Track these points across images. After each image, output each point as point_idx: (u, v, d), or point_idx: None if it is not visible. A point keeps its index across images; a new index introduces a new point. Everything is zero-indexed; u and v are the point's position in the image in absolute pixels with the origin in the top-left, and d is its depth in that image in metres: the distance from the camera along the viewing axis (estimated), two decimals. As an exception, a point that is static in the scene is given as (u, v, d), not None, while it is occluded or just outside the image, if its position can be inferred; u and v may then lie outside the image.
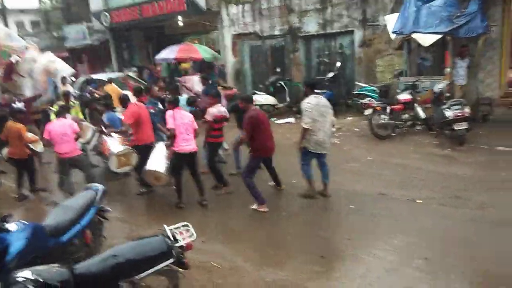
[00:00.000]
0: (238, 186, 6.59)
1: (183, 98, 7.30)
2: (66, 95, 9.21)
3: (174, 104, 6.28)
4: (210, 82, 10.13)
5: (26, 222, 3.66)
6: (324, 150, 5.91)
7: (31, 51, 12.83)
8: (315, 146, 5.80)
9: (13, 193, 7.43)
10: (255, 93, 12.58)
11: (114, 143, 6.86)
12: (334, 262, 4.41)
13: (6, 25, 18.49)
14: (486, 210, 5.26)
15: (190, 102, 8.04)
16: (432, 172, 6.77)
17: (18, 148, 7.14)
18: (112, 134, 7.04)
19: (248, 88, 14.64)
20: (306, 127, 5.67)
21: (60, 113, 6.90)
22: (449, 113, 7.79)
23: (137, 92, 7.38)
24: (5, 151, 7.50)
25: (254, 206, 5.93)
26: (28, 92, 11.68)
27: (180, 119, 6.09)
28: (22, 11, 28.73)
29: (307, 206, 5.92)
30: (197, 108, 7.87)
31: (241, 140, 6.41)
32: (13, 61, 12.82)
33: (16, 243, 3.43)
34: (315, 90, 6.00)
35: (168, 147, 6.24)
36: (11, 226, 3.52)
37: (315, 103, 5.75)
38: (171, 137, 6.08)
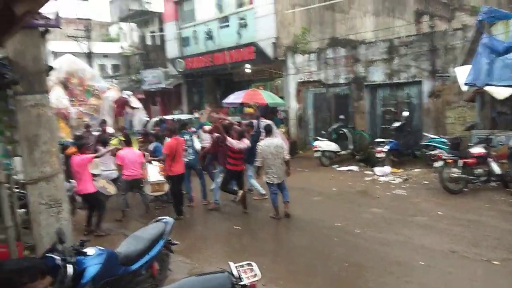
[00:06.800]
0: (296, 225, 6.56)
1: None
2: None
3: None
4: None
5: (102, 248, 3.89)
6: (279, 180, 7.38)
7: (111, 91, 14.12)
8: (271, 178, 7.30)
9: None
10: (317, 139, 12.63)
11: (153, 172, 7.83)
12: (400, 320, 4.14)
13: (90, 67, 20.50)
14: None
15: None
16: (508, 231, 6.24)
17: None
18: (153, 162, 8.17)
19: (310, 134, 14.73)
20: (257, 164, 7.47)
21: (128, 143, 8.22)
22: (528, 170, 7.26)
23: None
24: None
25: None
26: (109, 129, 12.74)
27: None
28: (105, 55, 31.94)
29: (373, 258, 5.69)
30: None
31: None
32: (126, 96, 14.25)
33: (92, 267, 3.62)
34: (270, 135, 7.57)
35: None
36: (89, 250, 3.75)
37: (265, 144, 7.33)
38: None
